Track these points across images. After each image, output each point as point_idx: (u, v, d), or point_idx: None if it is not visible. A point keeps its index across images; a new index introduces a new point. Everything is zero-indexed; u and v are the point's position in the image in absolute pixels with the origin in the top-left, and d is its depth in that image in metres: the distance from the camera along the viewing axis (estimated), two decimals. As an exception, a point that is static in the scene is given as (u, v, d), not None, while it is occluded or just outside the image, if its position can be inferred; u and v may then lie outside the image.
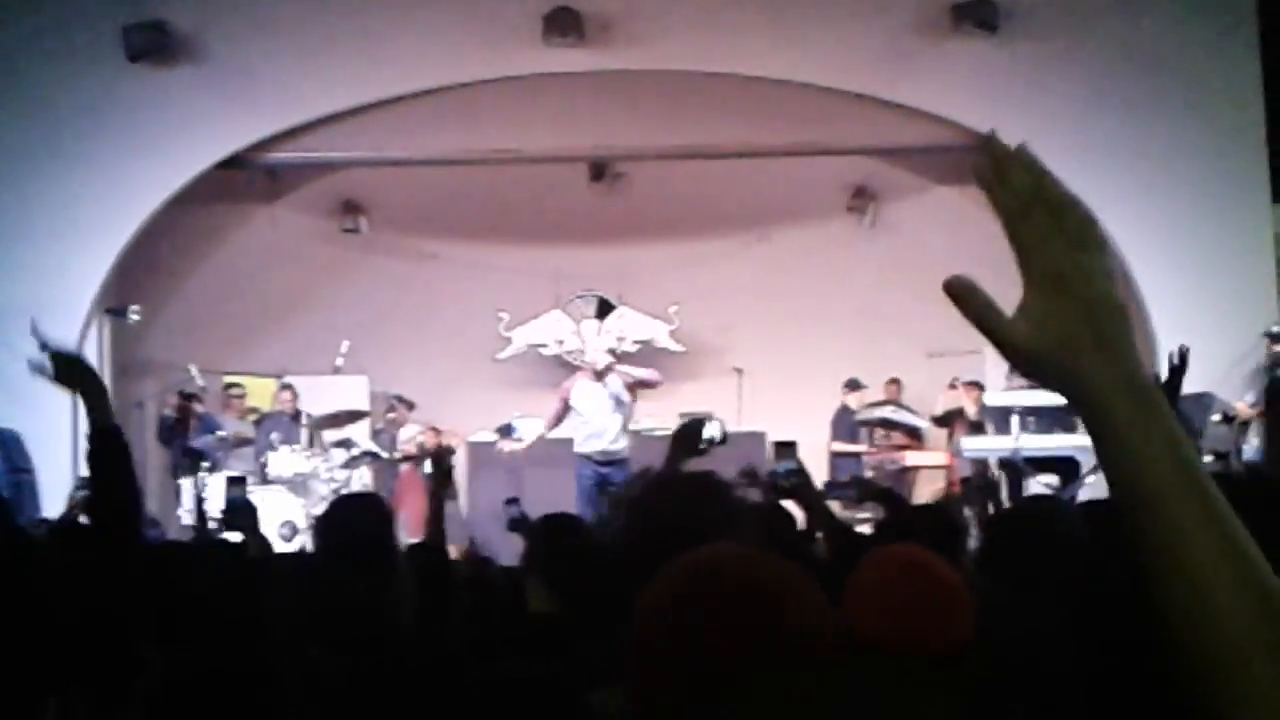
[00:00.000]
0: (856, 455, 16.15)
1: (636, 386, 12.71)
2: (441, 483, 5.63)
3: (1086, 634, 2.77)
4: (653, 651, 1.77)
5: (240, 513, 5.19)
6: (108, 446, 3.67)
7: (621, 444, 12.33)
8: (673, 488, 2.99)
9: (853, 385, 16.40)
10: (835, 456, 16.01)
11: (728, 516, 2.81)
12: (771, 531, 4.45)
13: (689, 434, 4.50)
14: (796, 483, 5.07)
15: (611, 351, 14.97)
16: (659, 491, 3.03)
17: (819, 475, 14.34)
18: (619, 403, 12.39)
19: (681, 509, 2.78)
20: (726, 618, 1.75)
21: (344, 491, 13.58)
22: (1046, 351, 1.45)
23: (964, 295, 1.45)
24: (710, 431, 4.68)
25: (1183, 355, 5.87)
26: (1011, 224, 1.46)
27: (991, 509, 8.17)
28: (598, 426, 12.37)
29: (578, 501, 11.78)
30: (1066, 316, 1.41)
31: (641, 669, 1.78)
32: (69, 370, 3.79)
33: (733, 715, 1.72)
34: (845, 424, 16.36)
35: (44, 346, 3.83)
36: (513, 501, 8.73)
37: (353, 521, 4.26)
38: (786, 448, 5.71)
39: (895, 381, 16.44)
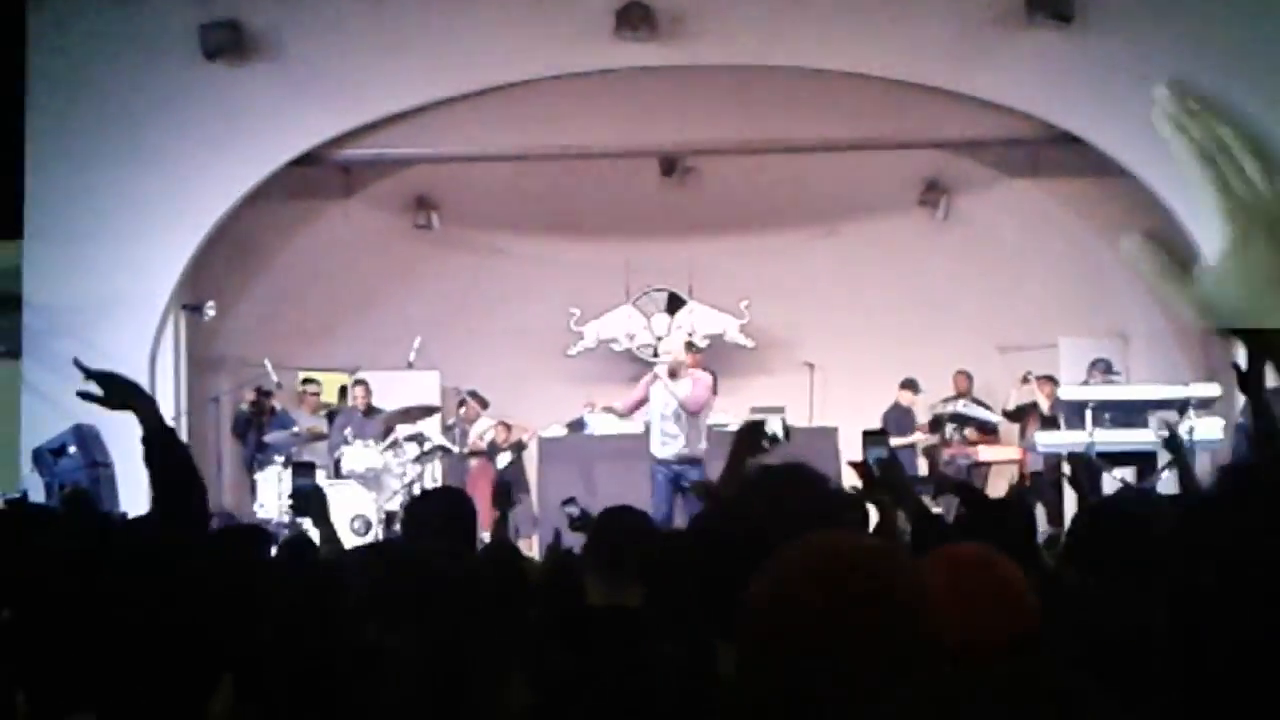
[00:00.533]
0: (911, 447, 16.04)
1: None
2: (504, 501, 5.71)
3: (1182, 629, 2.75)
4: (775, 631, 1.80)
5: (308, 499, 5.20)
6: (164, 447, 3.73)
7: (692, 446, 12.06)
8: (772, 481, 2.97)
9: (910, 385, 16.29)
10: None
11: (827, 509, 2.80)
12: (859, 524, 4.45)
13: (751, 432, 4.49)
14: (889, 471, 5.02)
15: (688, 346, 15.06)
16: (757, 486, 3.01)
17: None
18: (681, 410, 12.03)
19: (782, 501, 2.77)
20: (845, 599, 1.79)
21: (424, 486, 13.70)
22: (1254, 295, 1.35)
23: (1146, 255, 1.41)
24: (772, 428, 4.66)
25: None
26: (1205, 168, 1.42)
27: (1079, 498, 8.03)
28: (666, 429, 12.13)
29: (653, 498, 11.72)
30: (1275, 256, 1.36)
31: (762, 649, 1.82)
32: (112, 389, 3.87)
33: (844, 692, 1.75)
34: (895, 420, 16.26)
35: (88, 375, 3.91)
36: (569, 502, 8.77)
37: (437, 516, 4.30)
38: (876, 436, 5.69)
39: (965, 374, 16.32)
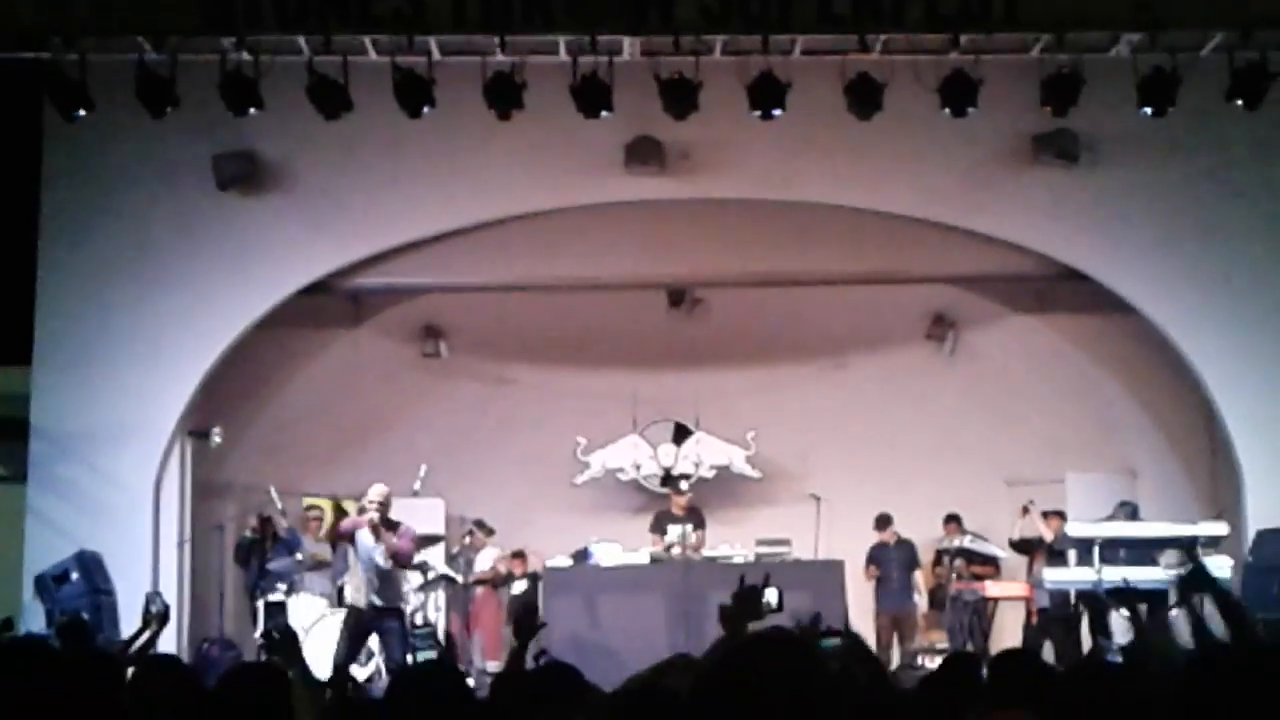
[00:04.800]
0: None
1: None
2: (523, 642, 5.68)
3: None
4: None
5: (280, 640, 5.18)
6: None
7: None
8: (765, 652, 2.85)
9: (880, 522, 16.30)
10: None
11: (819, 690, 2.72)
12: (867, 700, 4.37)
13: (750, 598, 4.50)
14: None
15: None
16: (749, 654, 2.91)
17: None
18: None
19: (774, 679, 2.69)
20: None
21: (426, 615, 13.61)
22: None
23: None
24: (768, 598, 4.69)
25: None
26: None
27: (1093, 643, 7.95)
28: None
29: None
30: None
31: None
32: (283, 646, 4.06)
33: None
34: (875, 557, 16.31)
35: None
36: (542, 654, 8.71)
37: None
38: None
39: (953, 519, 16.23)
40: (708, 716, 2.69)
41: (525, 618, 5.88)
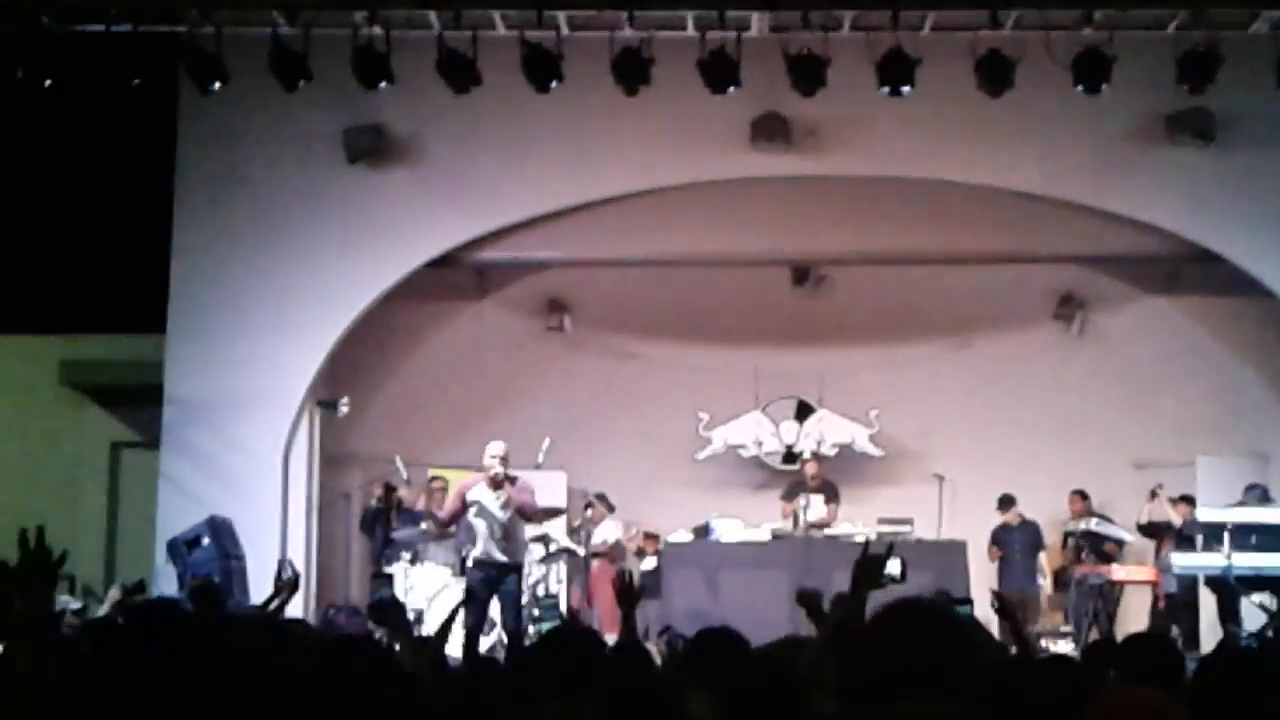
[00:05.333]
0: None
1: None
2: (628, 612, 5.73)
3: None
4: None
5: (387, 610, 5.26)
6: None
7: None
8: (908, 620, 2.87)
9: (1004, 503, 16.09)
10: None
11: (960, 658, 2.73)
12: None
13: (872, 566, 4.49)
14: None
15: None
16: (892, 622, 2.92)
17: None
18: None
19: (916, 646, 2.71)
20: None
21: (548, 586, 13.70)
22: None
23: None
24: (891, 569, 4.66)
25: None
26: None
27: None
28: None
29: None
30: None
31: None
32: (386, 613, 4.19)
33: None
34: (1000, 539, 16.14)
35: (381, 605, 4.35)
36: (665, 631, 8.77)
37: None
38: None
39: (1080, 494, 15.96)
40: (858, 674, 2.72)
41: (624, 587, 5.91)
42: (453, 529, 14.54)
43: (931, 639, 2.70)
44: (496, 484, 11.65)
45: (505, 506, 11.65)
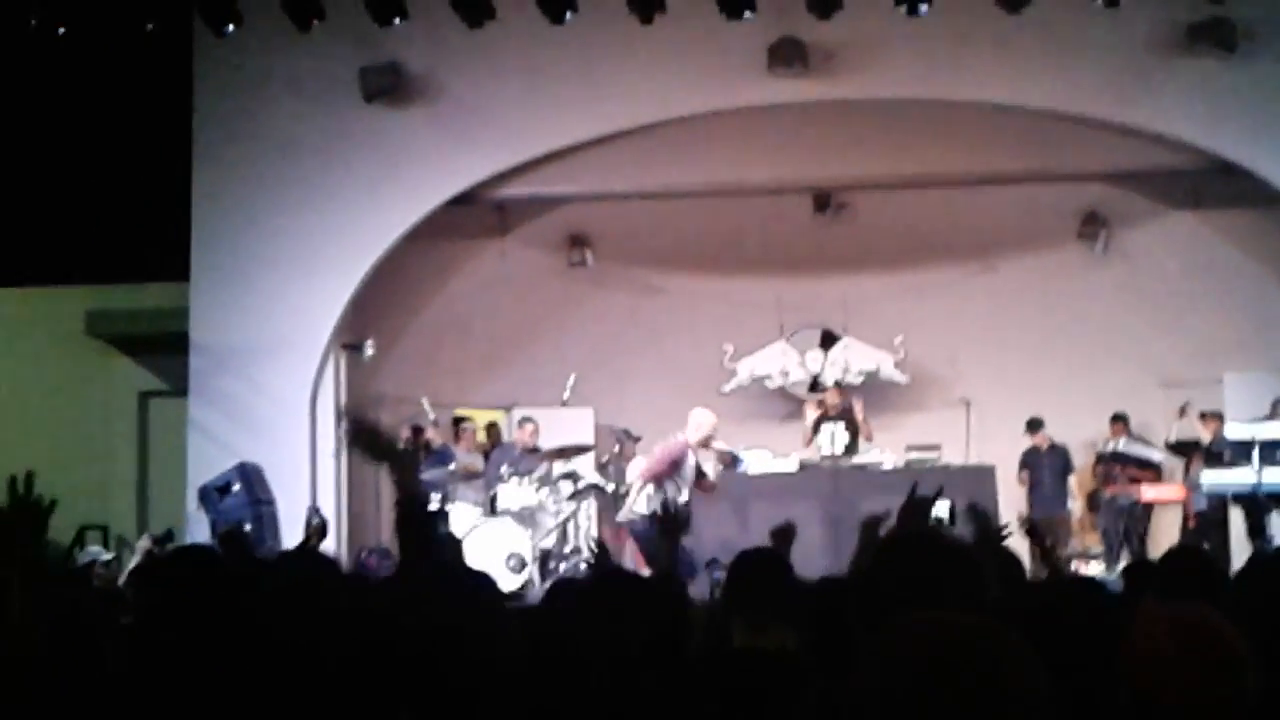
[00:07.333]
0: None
1: None
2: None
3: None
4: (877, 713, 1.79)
5: (444, 547, 5.31)
6: (409, 513, 4.02)
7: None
8: (909, 547, 3.02)
9: (1032, 426, 16.06)
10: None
11: (965, 578, 2.81)
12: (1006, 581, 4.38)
13: (918, 508, 4.48)
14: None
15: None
16: (897, 548, 3.07)
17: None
18: None
19: (920, 568, 2.81)
20: (952, 693, 1.78)
21: (577, 523, 13.74)
22: None
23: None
24: (939, 512, 4.66)
25: None
26: None
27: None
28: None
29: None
30: None
31: None
32: (375, 445, 4.25)
33: None
34: (1028, 462, 16.15)
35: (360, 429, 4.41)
36: (713, 564, 8.76)
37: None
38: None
39: (1120, 419, 15.90)
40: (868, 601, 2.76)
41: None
42: (481, 468, 14.61)
43: (929, 566, 2.80)
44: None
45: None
